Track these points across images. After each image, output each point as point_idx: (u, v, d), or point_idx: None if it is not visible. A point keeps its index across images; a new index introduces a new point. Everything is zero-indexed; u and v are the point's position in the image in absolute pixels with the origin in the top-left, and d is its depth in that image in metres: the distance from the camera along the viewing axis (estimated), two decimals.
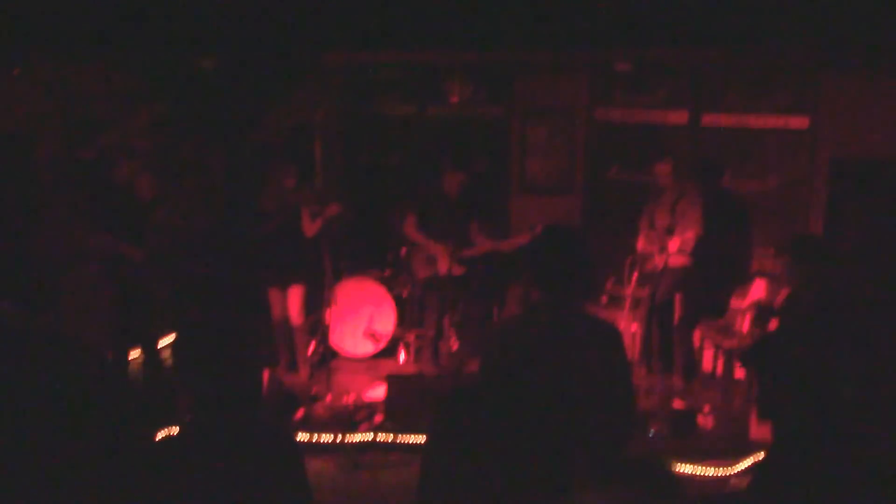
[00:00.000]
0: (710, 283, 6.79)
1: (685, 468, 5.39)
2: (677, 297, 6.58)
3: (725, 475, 5.35)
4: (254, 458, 2.46)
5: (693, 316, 6.56)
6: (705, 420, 6.06)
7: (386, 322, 7.37)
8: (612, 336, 3.05)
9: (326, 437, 5.64)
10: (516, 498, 2.56)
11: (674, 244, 6.32)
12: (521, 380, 2.93)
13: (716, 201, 6.85)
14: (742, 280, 7.05)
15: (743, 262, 7.26)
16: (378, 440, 5.64)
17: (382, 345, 7.41)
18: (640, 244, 6.57)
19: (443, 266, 6.75)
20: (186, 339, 2.63)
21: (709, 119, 7.39)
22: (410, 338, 7.38)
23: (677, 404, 6.25)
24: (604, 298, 7.57)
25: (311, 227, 6.65)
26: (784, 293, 6.47)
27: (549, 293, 3.00)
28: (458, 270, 6.77)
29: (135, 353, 6.80)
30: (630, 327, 6.71)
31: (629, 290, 6.57)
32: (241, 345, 2.61)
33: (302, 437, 5.62)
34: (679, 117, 7.50)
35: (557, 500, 2.77)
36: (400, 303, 7.39)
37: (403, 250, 7.33)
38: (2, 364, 2.51)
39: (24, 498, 2.51)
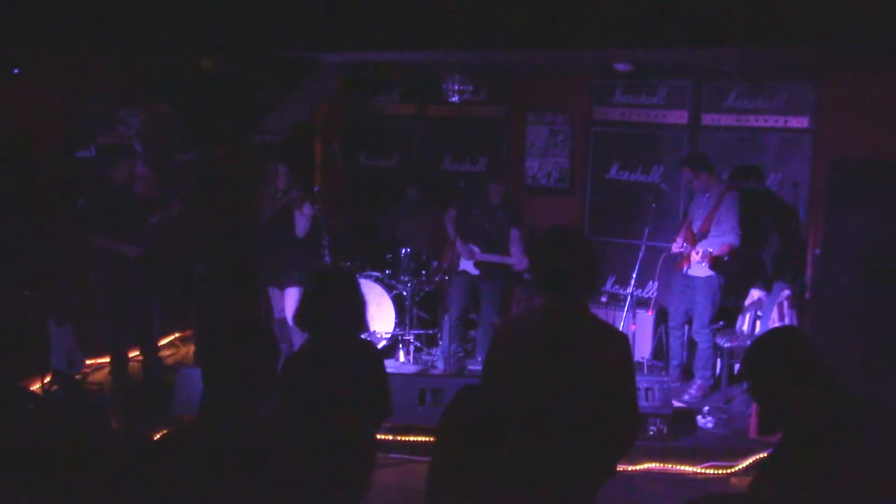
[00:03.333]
0: (730, 287, 6.73)
1: (685, 468, 5.40)
2: (698, 301, 6.55)
3: (725, 475, 5.36)
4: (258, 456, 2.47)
5: (711, 320, 6.55)
6: (705, 420, 6.06)
7: (386, 322, 7.37)
8: (618, 339, 3.05)
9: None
10: (524, 495, 2.57)
11: (696, 254, 6.28)
12: (524, 379, 2.93)
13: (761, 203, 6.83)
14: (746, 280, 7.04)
15: (748, 263, 7.25)
16: (378, 440, 5.62)
17: (382, 345, 7.41)
18: (676, 245, 6.53)
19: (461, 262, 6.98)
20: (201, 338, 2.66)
21: (709, 119, 7.39)
22: (410, 338, 7.39)
23: (677, 404, 6.25)
24: (604, 298, 7.59)
25: (301, 227, 6.71)
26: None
27: (553, 294, 3.00)
28: (474, 270, 7.01)
29: (134, 353, 6.81)
30: (630, 327, 6.72)
31: (631, 289, 6.58)
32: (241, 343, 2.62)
33: None
34: (679, 117, 7.50)
35: (563, 497, 2.77)
36: (400, 303, 7.39)
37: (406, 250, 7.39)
38: None
39: None
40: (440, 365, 7.06)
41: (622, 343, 3.04)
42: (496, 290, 7.07)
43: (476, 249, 6.96)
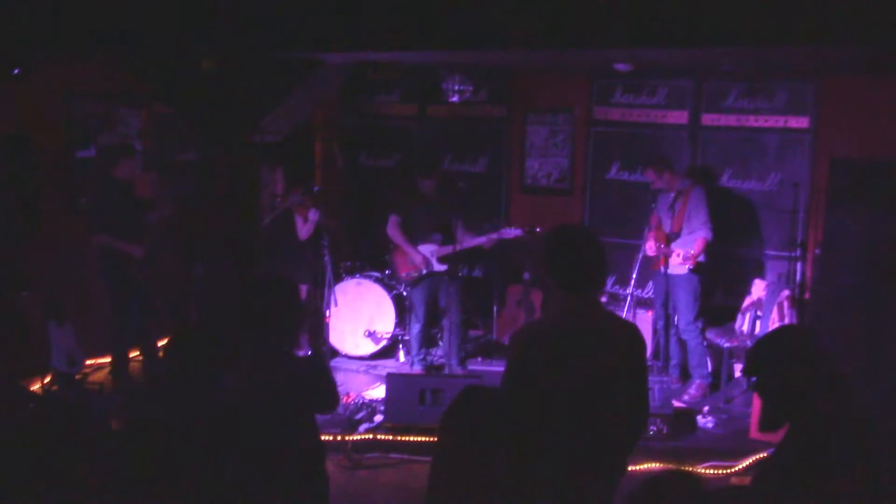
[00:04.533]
0: (712, 283, 6.75)
1: (685, 468, 5.39)
2: (680, 299, 6.55)
3: (725, 475, 5.36)
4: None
5: (695, 317, 6.54)
6: (705, 420, 6.06)
7: (386, 322, 7.36)
8: (635, 331, 3.07)
9: (326, 437, 5.64)
10: (534, 496, 2.57)
11: (676, 256, 6.27)
12: (550, 382, 2.91)
13: (719, 203, 6.85)
14: (745, 280, 7.06)
15: (748, 263, 7.26)
16: (378, 440, 5.64)
17: (383, 345, 7.41)
18: (649, 248, 6.53)
19: (421, 266, 6.88)
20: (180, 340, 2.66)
21: (709, 119, 7.39)
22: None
23: (677, 404, 6.25)
24: (604, 298, 7.59)
25: (303, 230, 6.71)
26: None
27: (572, 293, 2.99)
28: (440, 267, 6.89)
29: (134, 353, 6.81)
30: None
31: (631, 289, 6.58)
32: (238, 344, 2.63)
33: None
34: (679, 117, 7.50)
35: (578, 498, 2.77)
36: (400, 303, 7.39)
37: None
38: None
39: None
40: (416, 368, 7.04)
41: (638, 335, 3.07)
42: (459, 289, 7.04)
43: (429, 250, 6.87)
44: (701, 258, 6.35)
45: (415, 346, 7.02)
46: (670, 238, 6.47)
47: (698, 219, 6.39)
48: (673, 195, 6.54)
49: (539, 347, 2.97)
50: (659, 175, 6.55)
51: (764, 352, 2.58)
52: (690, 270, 6.39)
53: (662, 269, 6.52)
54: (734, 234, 7.19)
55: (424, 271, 6.90)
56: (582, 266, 2.98)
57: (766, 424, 2.59)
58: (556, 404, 2.87)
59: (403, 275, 7.01)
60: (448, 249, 6.82)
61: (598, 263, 3.02)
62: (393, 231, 6.96)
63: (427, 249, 6.87)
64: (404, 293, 7.37)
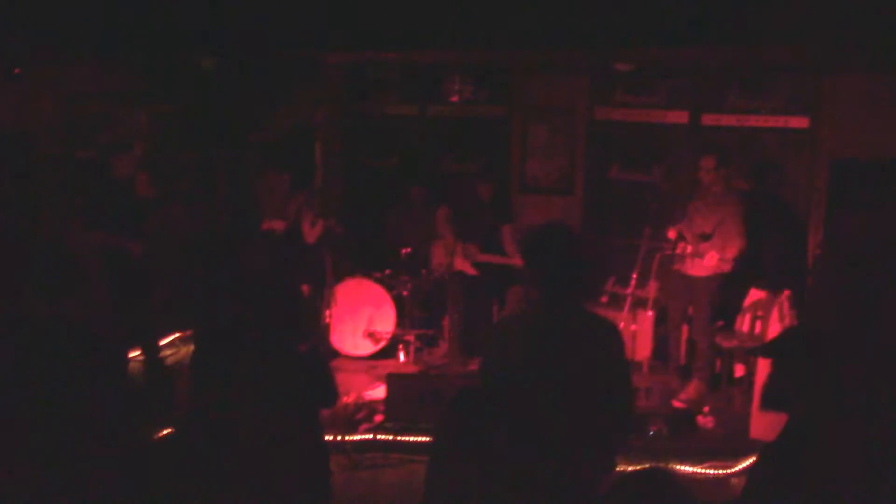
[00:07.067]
0: (731, 286, 6.68)
1: (685, 468, 5.39)
2: (700, 301, 6.51)
3: (725, 475, 5.35)
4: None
5: (711, 319, 6.52)
6: (705, 420, 6.06)
7: (386, 322, 7.36)
8: (610, 333, 3.07)
9: (326, 437, 5.63)
10: (523, 497, 2.58)
11: (711, 258, 6.14)
12: (520, 378, 2.95)
13: (766, 205, 6.76)
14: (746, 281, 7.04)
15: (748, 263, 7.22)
16: (378, 440, 5.63)
17: (382, 345, 7.41)
18: (673, 233, 6.42)
19: (457, 262, 6.92)
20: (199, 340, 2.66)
21: (709, 119, 7.38)
22: (410, 338, 7.38)
23: (677, 404, 6.25)
24: (604, 298, 7.58)
25: (310, 234, 6.73)
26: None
27: (546, 290, 3.02)
28: (471, 271, 6.96)
29: (135, 353, 6.80)
30: (630, 327, 6.71)
31: (631, 289, 6.57)
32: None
33: None
34: (679, 117, 7.50)
35: (564, 496, 2.78)
36: (400, 303, 7.39)
37: (407, 250, 7.37)
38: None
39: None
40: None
41: (612, 333, 3.08)
42: (494, 294, 7.07)
43: (474, 249, 6.95)
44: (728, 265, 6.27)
45: (455, 342, 7.03)
46: (699, 240, 6.37)
47: (734, 228, 6.25)
48: (712, 196, 6.39)
49: (504, 339, 3.07)
50: (717, 166, 6.32)
51: (790, 343, 2.66)
52: (715, 273, 6.30)
53: (684, 268, 6.45)
54: (782, 240, 7.18)
55: (456, 268, 6.95)
56: (555, 266, 3.01)
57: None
58: (515, 395, 2.89)
59: (435, 265, 7.11)
60: (488, 259, 6.86)
61: (573, 264, 3.03)
62: (441, 223, 7.07)
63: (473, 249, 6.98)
64: (404, 293, 7.37)
